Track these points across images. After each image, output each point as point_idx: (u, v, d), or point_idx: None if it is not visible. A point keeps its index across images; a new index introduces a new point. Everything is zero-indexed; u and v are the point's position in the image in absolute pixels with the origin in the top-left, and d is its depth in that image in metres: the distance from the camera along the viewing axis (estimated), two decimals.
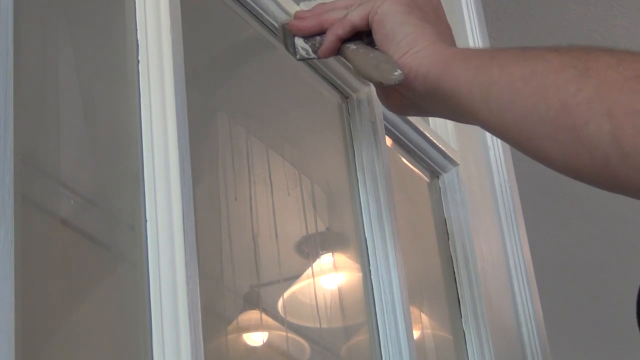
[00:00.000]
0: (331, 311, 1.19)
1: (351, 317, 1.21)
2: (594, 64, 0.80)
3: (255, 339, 1.07)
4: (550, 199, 3.33)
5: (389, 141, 1.31)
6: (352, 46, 1.05)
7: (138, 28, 0.93)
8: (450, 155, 1.43)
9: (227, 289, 1.03)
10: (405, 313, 1.15)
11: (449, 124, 1.49)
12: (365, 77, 1.04)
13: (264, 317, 1.07)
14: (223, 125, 1.12)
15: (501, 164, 1.61)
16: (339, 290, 1.20)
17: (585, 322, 4.00)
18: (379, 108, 1.23)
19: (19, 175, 0.73)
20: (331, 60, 1.20)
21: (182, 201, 0.87)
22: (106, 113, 0.93)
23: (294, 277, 1.15)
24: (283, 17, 1.12)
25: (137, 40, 0.93)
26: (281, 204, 1.14)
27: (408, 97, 1.01)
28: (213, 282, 1.00)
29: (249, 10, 1.11)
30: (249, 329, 1.06)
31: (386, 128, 1.28)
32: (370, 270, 1.16)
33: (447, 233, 1.40)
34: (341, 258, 1.21)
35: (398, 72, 0.97)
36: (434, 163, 1.41)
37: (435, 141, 1.40)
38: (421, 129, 1.37)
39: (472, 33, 1.69)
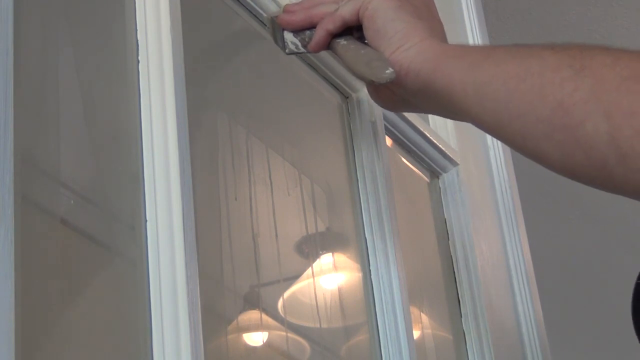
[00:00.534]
0: (331, 311, 1.19)
1: (351, 317, 1.21)
2: (589, 63, 0.80)
3: (255, 339, 1.07)
4: (550, 199, 3.33)
5: (389, 141, 1.31)
6: (342, 41, 1.04)
7: (138, 28, 0.93)
8: (450, 155, 1.43)
9: (227, 289, 1.03)
10: (405, 313, 1.15)
11: (449, 123, 1.49)
12: (356, 75, 1.03)
13: (264, 317, 1.07)
14: (223, 125, 1.12)
15: (501, 164, 1.61)
16: (339, 290, 1.20)
17: (585, 322, 4.00)
18: (379, 108, 1.23)
19: (19, 175, 0.73)
20: (331, 60, 1.20)
21: (182, 201, 0.87)
22: (106, 113, 0.93)
23: (294, 277, 1.15)
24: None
25: (137, 40, 0.93)
26: (281, 204, 1.14)
27: (399, 94, 1.00)
28: (213, 282, 1.00)
29: (249, 10, 1.11)
30: (249, 329, 1.06)
31: (386, 128, 1.28)
32: (370, 270, 1.16)
33: (447, 233, 1.40)
34: (341, 258, 1.21)
35: (390, 71, 0.96)
36: (434, 163, 1.41)
37: (435, 141, 1.40)
38: (421, 129, 1.37)
39: (472, 33, 1.69)
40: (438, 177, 1.44)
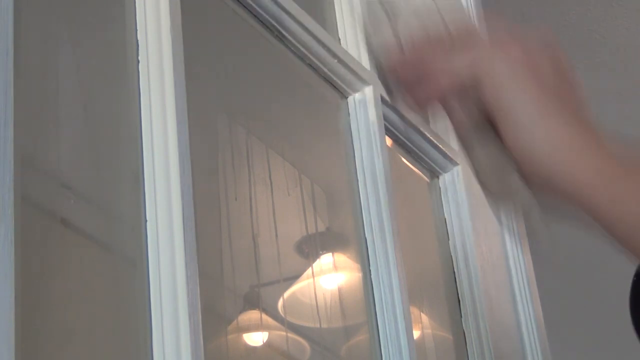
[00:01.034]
0: (331, 311, 1.19)
1: (351, 317, 1.21)
2: None
3: (255, 339, 1.08)
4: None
5: (389, 141, 1.31)
6: (474, 138, 0.86)
7: (138, 28, 0.93)
8: (450, 155, 1.43)
9: (227, 289, 1.04)
10: (405, 313, 1.15)
11: (449, 123, 1.49)
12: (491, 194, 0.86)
13: (264, 317, 1.08)
14: (223, 125, 1.12)
15: None
16: (339, 290, 1.20)
17: (585, 322, 4.00)
18: (379, 108, 1.23)
19: (19, 175, 0.73)
20: (330, 60, 1.20)
21: (182, 201, 0.87)
22: (106, 113, 0.93)
23: (294, 277, 1.15)
24: (284, 18, 1.10)
25: (137, 40, 0.93)
26: (281, 204, 1.14)
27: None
28: (213, 282, 1.00)
29: (249, 11, 1.11)
30: (249, 329, 1.06)
31: (386, 128, 1.28)
32: (370, 270, 1.16)
33: (447, 233, 1.40)
34: (341, 258, 1.21)
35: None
36: (434, 163, 1.41)
37: (435, 141, 1.40)
38: (421, 129, 1.37)
39: None
40: (438, 177, 1.43)
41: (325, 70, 1.21)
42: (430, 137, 1.39)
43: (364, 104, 1.24)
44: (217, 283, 1.01)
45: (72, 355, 0.81)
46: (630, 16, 2.66)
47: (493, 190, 0.84)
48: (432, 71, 0.86)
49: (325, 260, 1.19)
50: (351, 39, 1.29)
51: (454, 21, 0.88)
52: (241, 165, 1.10)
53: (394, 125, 1.32)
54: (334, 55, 1.21)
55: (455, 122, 0.88)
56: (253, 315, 1.06)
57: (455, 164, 1.43)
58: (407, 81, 0.87)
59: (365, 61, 1.27)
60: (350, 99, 1.25)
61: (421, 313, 1.33)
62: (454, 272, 1.38)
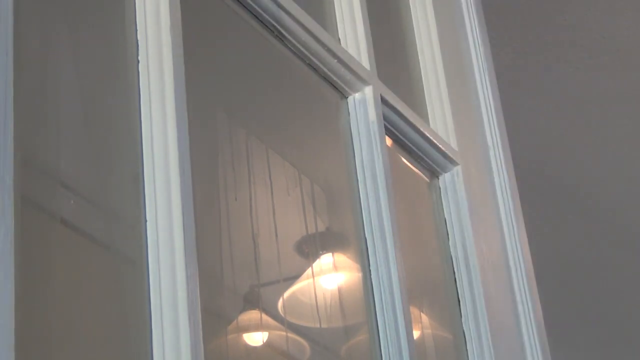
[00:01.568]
0: (331, 311, 1.19)
1: (351, 317, 1.21)
2: None
3: (255, 339, 1.08)
4: (550, 199, 3.33)
5: (389, 141, 1.31)
6: None
7: (138, 28, 0.93)
8: (450, 155, 1.43)
9: (227, 289, 1.04)
10: (405, 313, 1.15)
11: (449, 123, 1.49)
12: None
13: (264, 317, 1.08)
14: (223, 125, 1.12)
15: (501, 164, 1.61)
16: (339, 290, 1.20)
17: (585, 322, 4.00)
18: (379, 108, 1.23)
19: (19, 175, 0.73)
20: (330, 60, 1.20)
21: (182, 201, 0.87)
22: (106, 113, 0.93)
23: (294, 277, 1.15)
24: (284, 18, 1.11)
25: (137, 40, 0.93)
26: (281, 204, 1.14)
27: None
28: (213, 282, 1.00)
29: (249, 11, 1.11)
30: (249, 329, 1.06)
31: (386, 128, 1.28)
32: (370, 270, 1.16)
33: (447, 233, 1.40)
34: (341, 258, 1.21)
35: None
36: (434, 163, 1.41)
37: (435, 141, 1.40)
38: (421, 129, 1.37)
39: (472, 33, 1.69)
40: (438, 177, 1.43)
41: (325, 70, 1.21)
42: (430, 137, 1.39)
43: (364, 104, 1.24)
44: (217, 283, 1.01)
45: (72, 355, 0.81)
46: (630, 16, 2.66)
47: None
48: None
49: (325, 260, 1.19)
50: (351, 39, 1.29)
51: None
52: (241, 165, 1.10)
53: (394, 125, 1.32)
54: (334, 55, 1.21)
55: None
56: (253, 315, 1.06)
57: (455, 164, 1.43)
58: None
59: (365, 61, 1.27)
60: (350, 98, 1.25)
61: (421, 313, 1.33)
62: (454, 272, 1.38)
